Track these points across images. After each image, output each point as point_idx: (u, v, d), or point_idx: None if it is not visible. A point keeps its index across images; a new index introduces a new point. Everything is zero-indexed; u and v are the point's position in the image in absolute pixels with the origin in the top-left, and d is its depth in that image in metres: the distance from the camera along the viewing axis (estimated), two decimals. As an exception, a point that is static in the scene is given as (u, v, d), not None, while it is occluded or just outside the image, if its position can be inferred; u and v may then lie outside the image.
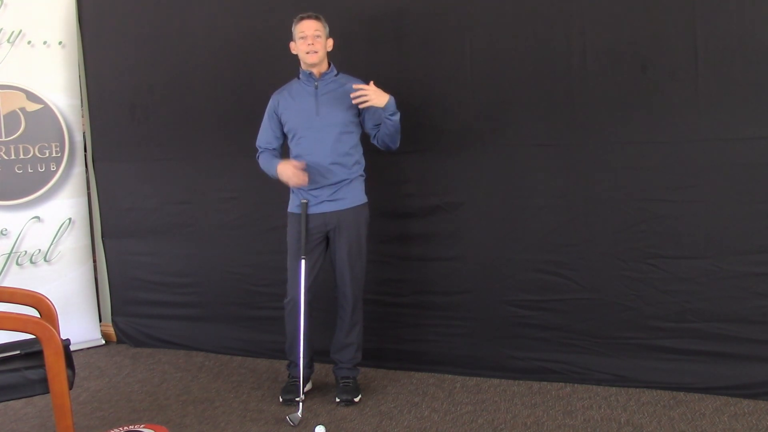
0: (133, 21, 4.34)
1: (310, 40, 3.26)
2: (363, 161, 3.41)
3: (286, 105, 3.36)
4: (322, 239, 3.37)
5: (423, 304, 3.74)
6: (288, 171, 3.24)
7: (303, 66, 3.35)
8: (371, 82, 3.22)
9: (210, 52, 4.12)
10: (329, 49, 3.35)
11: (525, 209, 3.49)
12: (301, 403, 3.20)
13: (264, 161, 3.43)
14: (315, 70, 3.32)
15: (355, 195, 3.36)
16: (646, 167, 3.25)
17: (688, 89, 3.14)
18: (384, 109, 3.22)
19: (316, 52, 3.27)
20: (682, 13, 3.12)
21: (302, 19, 3.30)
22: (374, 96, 3.19)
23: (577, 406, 3.20)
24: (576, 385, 3.42)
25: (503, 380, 3.54)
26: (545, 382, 3.47)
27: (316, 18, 3.29)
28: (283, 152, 3.47)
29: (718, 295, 3.17)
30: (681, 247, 3.22)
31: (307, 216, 3.30)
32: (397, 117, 3.26)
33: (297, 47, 3.33)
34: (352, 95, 3.20)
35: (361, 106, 3.24)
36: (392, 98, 3.23)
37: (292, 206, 3.40)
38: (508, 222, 3.53)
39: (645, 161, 3.25)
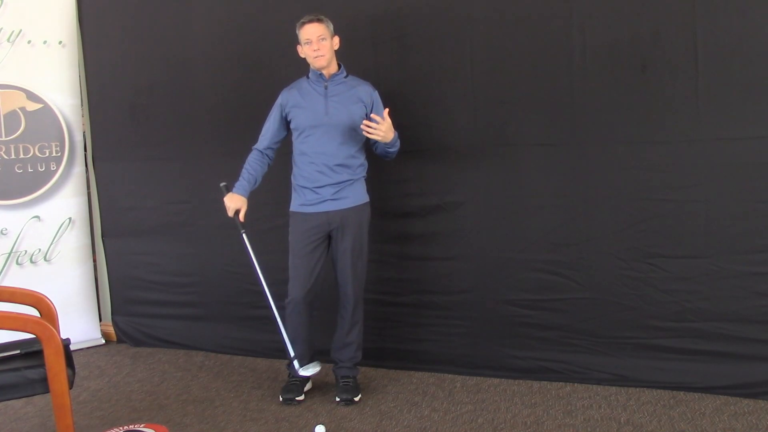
0: (133, 21, 4.34)
1: (315, 45, 3.27)
2: (366, 163, 3.41)
3: (295, 102, 3.36)
4: (324, 238, 3.37)
5: (423, 303, 3.74)
6: (233, 204, 3.37)
7: (312, 66, 3.35)
8: (386, 111, 3.22)
9: (210, 52, 4.12)
10: (336, 47, 3.35)
11: (525, 209, 3.49)
12: (295, 361, 3.18)
13: (249, 164, 3.42)
14: (325, 71, 3.33)
15: (357, 194, 3.37)
16: (646, 167, 3.25)
17: (688, 89, 3.14)
18: (386, 143, 3.26)
19: (323, 55, 3.28)
20: (682, 13, 3.12)
21: (304, 24, 3.29)
22: (384, 133, 3.19)
23: (577, 405, 3.20)
24: (576, 384, 3.43)
25: (503, 380, 3.54)
26: (545, 382, 3.47)
27: (318, 21, 3.28)
28: (283, 151, 3.48)
29: (718, 295, 3.17)
30: (681, 247, 3.22)
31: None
32: (395, 149, 3.32)
33: (304, 51, 3.33)
34: (362, 126, 3.19)
35: (367, 135, 3.22)
36: (396, 134, 3.27)
37: (295, 205, 3.40)
38: (508, 221, 3.53)
39: (645, 161, 3.25)
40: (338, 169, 3.31)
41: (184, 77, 4.22)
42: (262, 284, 3.31)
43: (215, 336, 4.24)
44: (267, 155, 3.45)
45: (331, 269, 3.42)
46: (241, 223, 3.39)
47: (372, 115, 3.22)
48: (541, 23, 3.38)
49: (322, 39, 3.27)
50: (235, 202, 3.39)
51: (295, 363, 3.19)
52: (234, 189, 3.41)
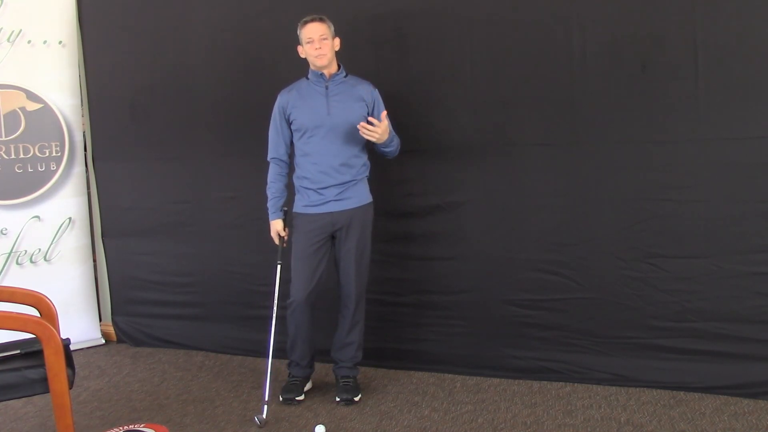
0: (133, 20, 4.34)
1: (317, 44, 3.27)
2: (369, 163, 3.42)
3: (296, 103, 3.35)
4: (327, 239, 3.37)
5: (423, 303, 3.74)
6: (274, 231, 3.42)
7: (313, 66, 3.35)
8: (384, 114, 3.24)
9: (210, 51, 4.12)
10: (337, 48, 3.35)
11: (525, 209, 3.49)
12: (265, 406, 3.20)
13: (271, 184, 3.41)
14: (325, 71, 3.33)
15: (361, 194, 3.37)
16: (646, 167, 3.25)
17: (688, 89, 3.14)
18: (382, 144, 3.29)
19: (325, 54, 3.28)
20: (682, 13, 3.12)
21: (306, 23, 3.29)
22: (380, 135, 3.22)
23: (577, 405, 3.20)
24: (576, 384, 3.43)
25: (503, 380, 3.54)
26: (545, 382, 3.47)
27: (321, 20, 3.29)
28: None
29: (718, 295, 3.17)
30: (681, 247, 3.22)
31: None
32: (391, 149, 3.35)
33: (305, 51, 3.33)
34: (359, 126, 3.20)
35: (364, 136, 3.24)
36: (392, 134, 3.30)
37: (298, 207, 3.39)
38: (509, 221, 3.53)
39: (645, 161, 3.25)
40: (342, 169, 3.30)
41: (184, 77, 4.22)
42: (270, 326, 3.33)
43: (215, 336, 4.24)
44: (285, 162, 3.42)
45: (333, 269, 3.42)
46: (283, 249, 3.40)
47: (369, 118, 3.22)
48: (542, 23, 3.38)
49: (324, 38, 3.27)
50: (273, 229, 3.42)
51: (265, 408, 3.19)
52: (269, 218, 3.41)
